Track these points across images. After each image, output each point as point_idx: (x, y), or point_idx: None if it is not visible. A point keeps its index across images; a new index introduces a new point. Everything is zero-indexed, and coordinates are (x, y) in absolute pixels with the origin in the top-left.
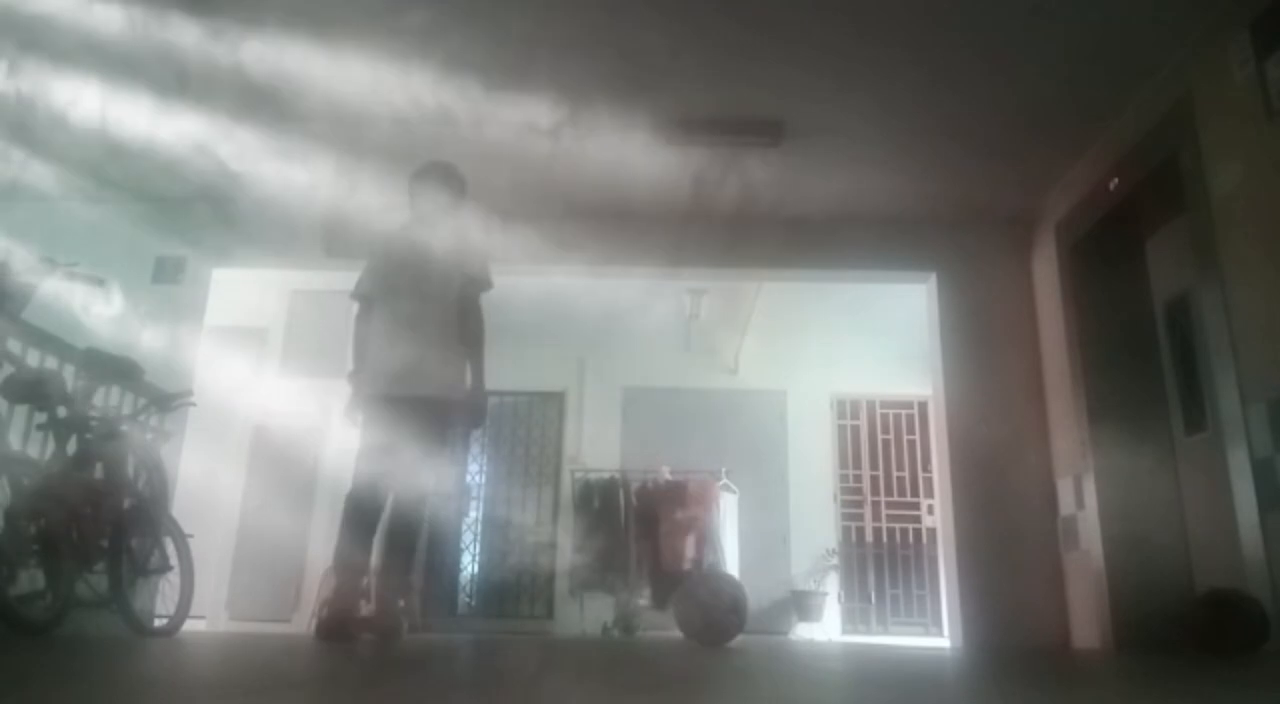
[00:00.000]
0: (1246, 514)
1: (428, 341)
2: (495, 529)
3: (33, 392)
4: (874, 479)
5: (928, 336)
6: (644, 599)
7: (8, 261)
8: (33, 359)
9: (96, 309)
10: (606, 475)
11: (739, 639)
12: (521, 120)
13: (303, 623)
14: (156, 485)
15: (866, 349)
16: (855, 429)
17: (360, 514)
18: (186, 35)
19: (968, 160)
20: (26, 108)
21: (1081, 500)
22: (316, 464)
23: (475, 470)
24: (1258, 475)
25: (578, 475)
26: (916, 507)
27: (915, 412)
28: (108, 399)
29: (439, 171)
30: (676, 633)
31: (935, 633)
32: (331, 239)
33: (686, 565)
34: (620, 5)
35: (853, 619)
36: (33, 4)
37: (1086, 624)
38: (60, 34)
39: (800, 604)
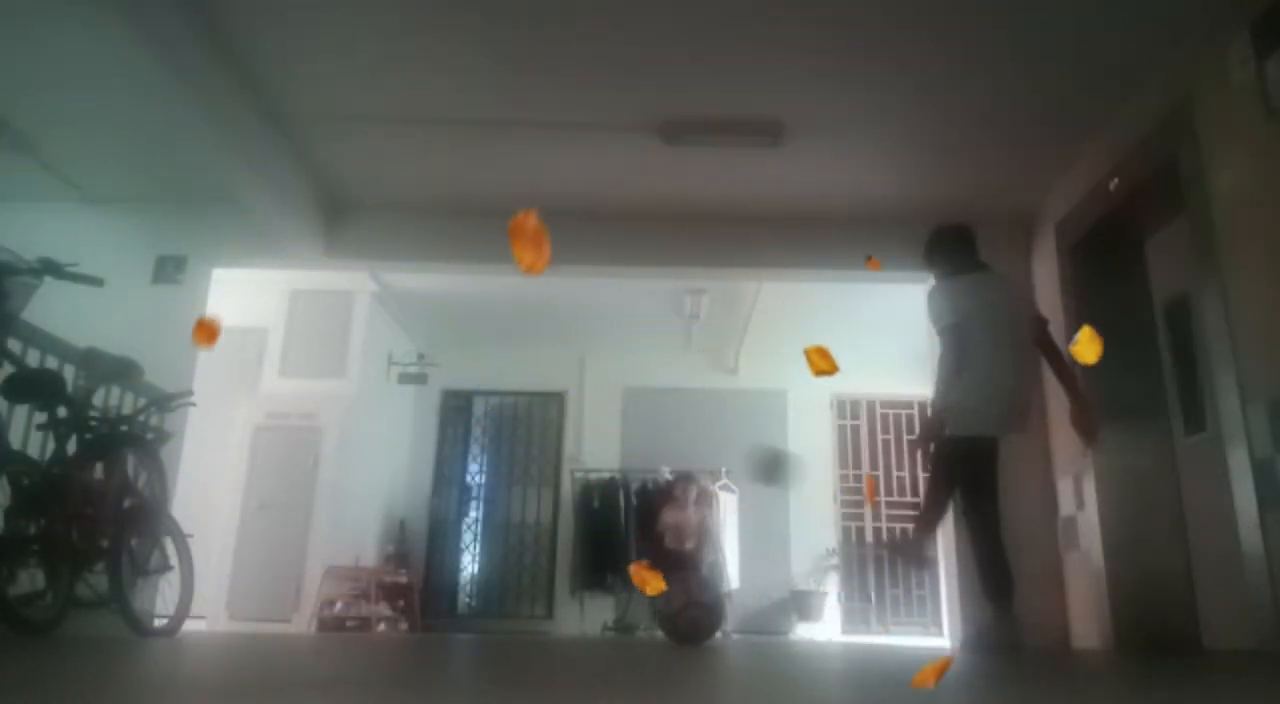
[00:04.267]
0: (1246, 514)
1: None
2: (495, 529)
3: (33, 391)
4: (874, 479)
5: (928, 337)
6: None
7: (8, 261)
8: (33, 359)
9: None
10: (606, 475)
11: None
12: (522, 120)
13: (303, 623)
14: (156, 485)
15: (866, 349)
16: (855, 429)
17: None
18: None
19: (968, 160)
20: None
21: (1081, 500)
22: (316, 464)
23: (475, 470)
24: (1258, 475)
25: (578, 475)
26: (917, 507)
27: (915, 412)
28: (108, 399)
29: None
30: None
31: (935, 633)
32: (331, 239)
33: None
34: (620, 5)
35: (852, 619)
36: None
37: (1086, 624)
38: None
39: (800, 604)
